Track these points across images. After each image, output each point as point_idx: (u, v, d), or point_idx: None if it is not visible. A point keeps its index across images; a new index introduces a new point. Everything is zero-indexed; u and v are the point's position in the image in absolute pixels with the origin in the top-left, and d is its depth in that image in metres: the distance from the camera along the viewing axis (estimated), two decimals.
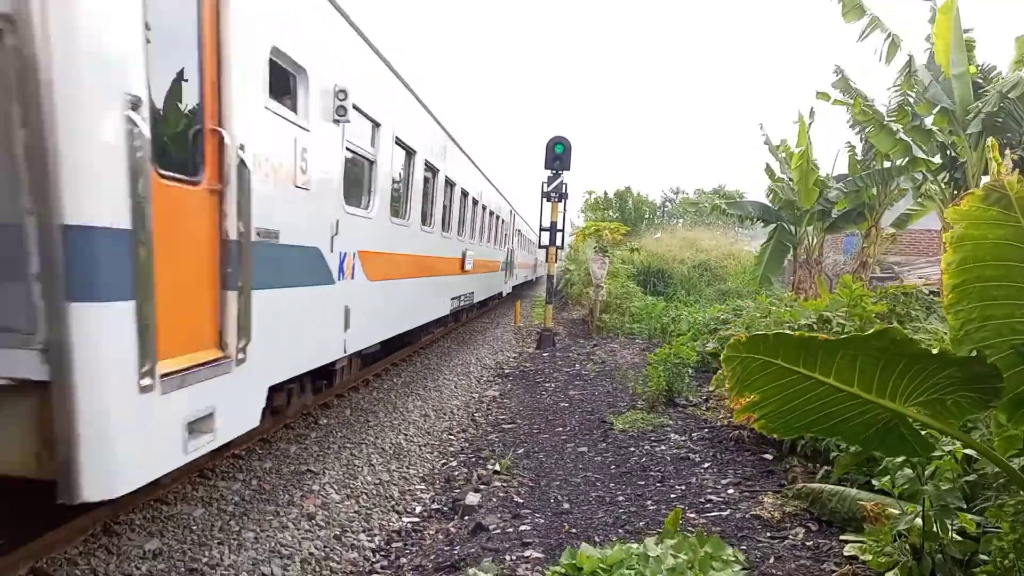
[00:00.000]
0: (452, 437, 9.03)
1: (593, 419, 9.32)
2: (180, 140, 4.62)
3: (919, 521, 3.95)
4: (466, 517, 6.03)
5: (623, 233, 25.87)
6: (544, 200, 17.61)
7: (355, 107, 7.48)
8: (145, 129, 3.88)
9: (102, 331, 3.78)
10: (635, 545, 4.22)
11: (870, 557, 4.22)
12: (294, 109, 6.18)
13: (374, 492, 6.84)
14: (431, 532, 5.94)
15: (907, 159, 12.81)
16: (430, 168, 12.10)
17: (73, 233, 3.61)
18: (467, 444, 8.65)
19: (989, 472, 4.24)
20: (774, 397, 3.19)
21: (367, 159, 8.57)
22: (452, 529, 5.87)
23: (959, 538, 3.92)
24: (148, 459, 4.21)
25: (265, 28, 5.48)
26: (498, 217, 22.75)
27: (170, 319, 4.29)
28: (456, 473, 7.51)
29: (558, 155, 16.99)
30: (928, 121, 12.69)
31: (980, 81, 12.45)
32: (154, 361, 4.07)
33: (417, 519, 6.31)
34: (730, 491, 6.02)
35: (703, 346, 11.71)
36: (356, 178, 8.26)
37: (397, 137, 9.60)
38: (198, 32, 4.66)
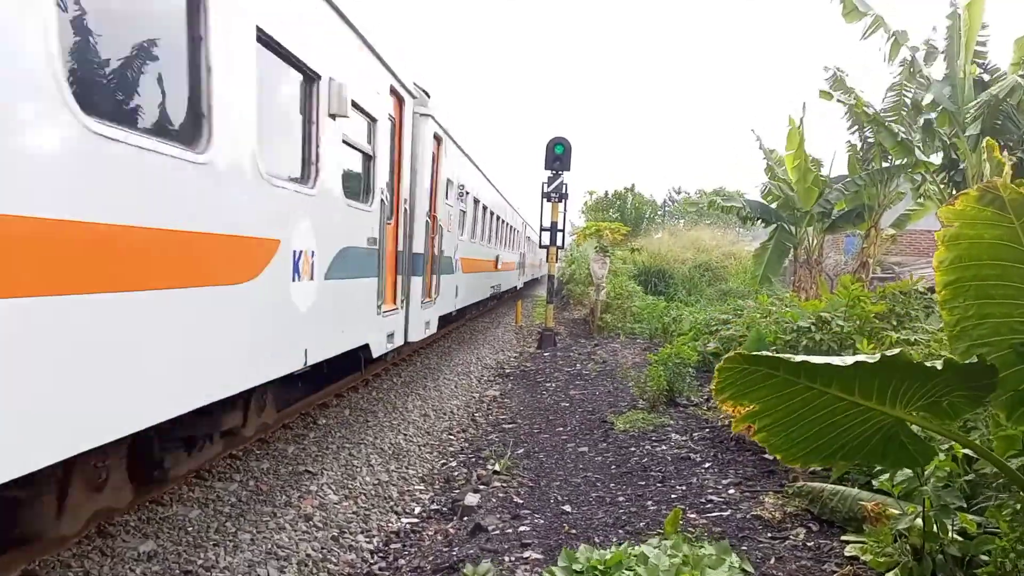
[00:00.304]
0: (452, 437, 9.00)
1: (594, 419, 9.29)
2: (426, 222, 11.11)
3: (919, 521, 3.92)
4: (465, 518, 6.00)
5: (623, 233, 25.82)
6: (544, 200, 17.59)
7: (467, 191, 15.61)
8: (429, 223, 11.32)
9: (416, 287, 10.61)
10: (634, 546, 4.20)
11: (871, 557, 4.19)
12: (448, 198, 13.11)
13: (373, 493, 6.81)
14: (430, 533, 5.91)
15: (907, 159, 12.76)
16: (484, 207, 19.65)
17: (413, 255, 10.56)
18: (467, 444, 8.63)
19: (988, 472, 4.22)
20: (776, 408, 3.16)
21: (464, 211, 15.78)
22: (451, 530, 5.83)
23: (960, 538, 3.89)
24: (420, 332, 11.07)
25: (448, 171, 13.01)
26: (514, 228, 30.32)
27: (425, 284, 11.32)
28: (456, 473, 7.48)
29: (558, 155, 16.97)
30: (930, 119, 12.62)
31: (984, 80, 12.38)
32: (424, 297, 11.21)
33: (416, 520, 6.28)
34: (731, 491, 5.99)
35: (704, 346, 11.68)
36: (461, 221, 15.53)
37: (475, 197, 17.38)
38: (432, 179, 11.57)
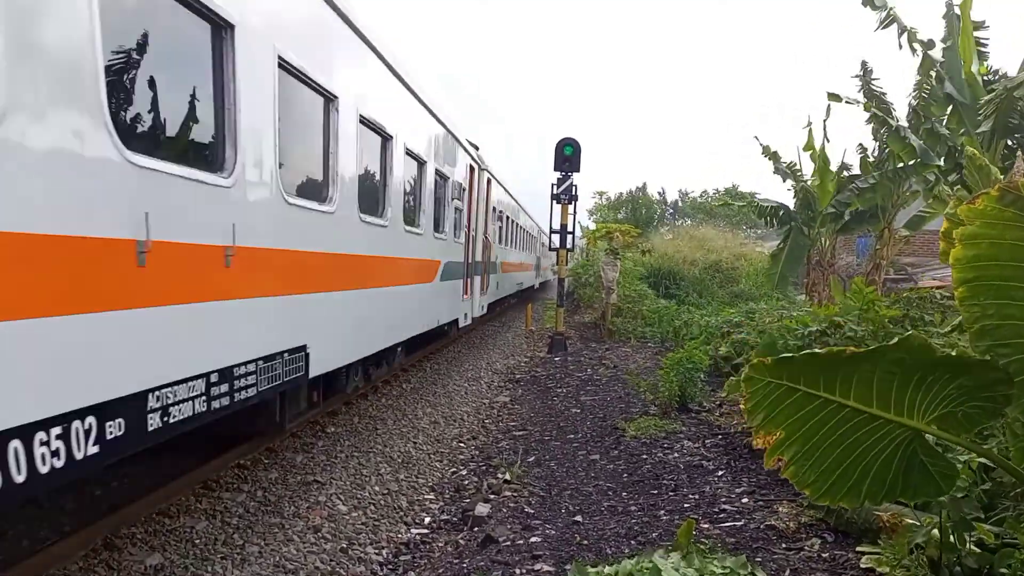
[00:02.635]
0: (462, 444, 8.94)
1: (605, 425, 9.21)
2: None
3: (936, 532, 3.84)
4: (475, 528, 5.94)
5: (634, 235, 25.67)
6: (554, 202, 17.51)
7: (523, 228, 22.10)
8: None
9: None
10: (647, 558, 4.12)
11: (887, 569, 4.11)
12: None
13: (382, 503, 6.75)
14: (440, 544, 5.85)
15: (916, 161, 12.65)
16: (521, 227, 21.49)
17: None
18: (477, 452, 8.56)
19: (1006, 482, 4.14)
20: (799, 432, 3.13)
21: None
22: (461, 541, 5.77)
23: (977, 550, 3.81)
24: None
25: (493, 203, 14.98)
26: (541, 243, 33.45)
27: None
28: (466, 482, 7.41)
29: (567, 156, 16.87)
30: (939, 122, 12.48)
31: (990, 79, 12.24)
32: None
33: (426, 530, 6.22)
34: (744, 500, 5.90)
35: (715, 350, 11.58)
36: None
37: (518, 224, 21.47)
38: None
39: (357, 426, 9.23)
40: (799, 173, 17.35)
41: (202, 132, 4.93)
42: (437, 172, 11.84)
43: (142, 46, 4.24)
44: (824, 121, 15.55)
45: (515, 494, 6.68)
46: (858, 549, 4.58)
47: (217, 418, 4.94)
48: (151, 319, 4.14)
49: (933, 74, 12.33)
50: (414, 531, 6.19)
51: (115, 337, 3.86)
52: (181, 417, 4.47)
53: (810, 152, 15.61)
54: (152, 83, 4.34)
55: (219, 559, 5.25)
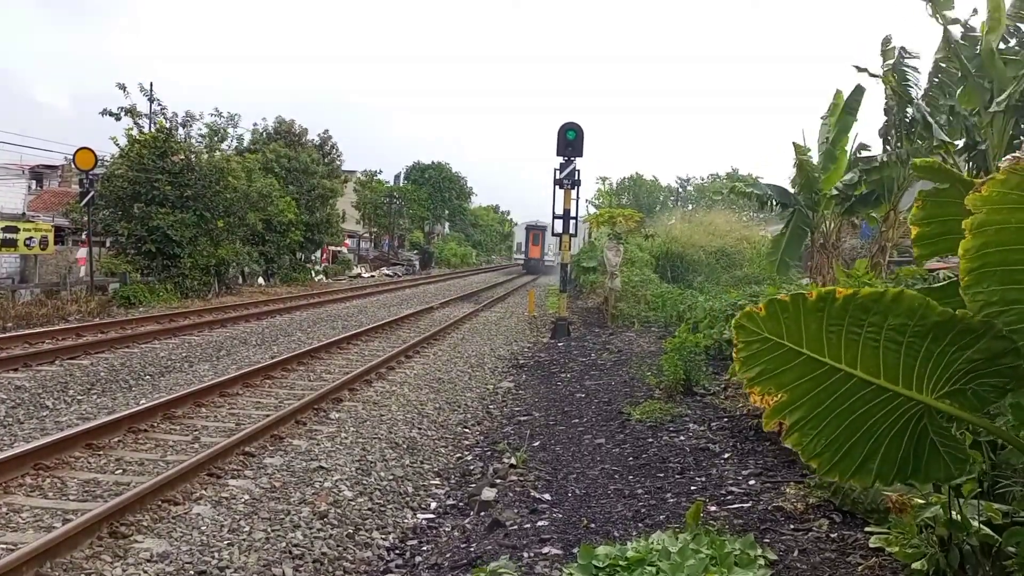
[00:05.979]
0: (467, 430, 8.94)
1: (610, 410, 9.18)
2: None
3: (942, 511, 3.81)
4: (482, 513, 5.93)
5: (637, 220, 25.57)
6: (556, 187, 17.45)
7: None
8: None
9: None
10: (656, 540, 4.11)
11: (896, 549, 4.09)
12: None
13: (388, 488, 6.75)
14: (447, 529, 5.85)
15: (928, 140, 12.49)
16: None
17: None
18: (482, 437, 8.56)
19: (1015, 462, 4.10)
20: (804, 398, 3.08)
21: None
22: (468, 526, 5.77)
23: (985, 528, 3.78)
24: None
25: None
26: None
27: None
28: (472, 467, 7.41)
29: (570, 141, 16.82)
30: (950, 99, 12.32)
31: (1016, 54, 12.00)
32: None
33: (432, 515, 6.22)
34: (751, 482, 5.88)
35: (720, 334, 11.52)
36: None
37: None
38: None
39: (361, 412, 9.21)
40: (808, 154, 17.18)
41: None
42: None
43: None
44: (831, 105, 15.43)
45: (521, 479, 6.67)
46: (866, 530, 4.56)
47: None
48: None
49: (952, 50, 12.09)
50: (421, 516, 6.19)
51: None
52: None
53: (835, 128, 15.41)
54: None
55: (226, 545, 5.24)
